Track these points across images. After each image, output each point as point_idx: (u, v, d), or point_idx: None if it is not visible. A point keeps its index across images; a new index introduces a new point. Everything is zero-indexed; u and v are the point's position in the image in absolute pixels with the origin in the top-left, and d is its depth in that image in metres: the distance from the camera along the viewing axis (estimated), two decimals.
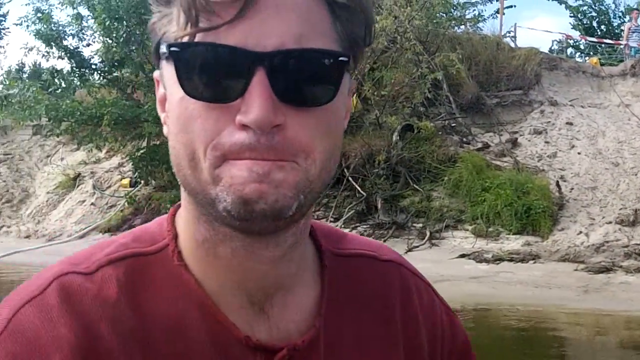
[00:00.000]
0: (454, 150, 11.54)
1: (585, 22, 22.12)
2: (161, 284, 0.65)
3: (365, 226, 10.46)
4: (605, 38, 19.22)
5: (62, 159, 16.96)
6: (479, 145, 12.03)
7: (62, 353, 0.59)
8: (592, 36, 20.25)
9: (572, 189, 10.85)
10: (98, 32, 13.34)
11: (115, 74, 13.92)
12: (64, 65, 20.72)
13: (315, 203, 0.66)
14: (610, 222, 9.83)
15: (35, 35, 13.38)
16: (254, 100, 0.56)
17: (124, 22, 12.25)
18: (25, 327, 0.60)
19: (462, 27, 14.42)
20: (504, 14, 16.59)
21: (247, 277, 0.65)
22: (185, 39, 0.58)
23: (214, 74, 0.57)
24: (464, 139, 12.20)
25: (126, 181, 14.09)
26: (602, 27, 21.95)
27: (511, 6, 27.12)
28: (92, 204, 14.41)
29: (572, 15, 22.30)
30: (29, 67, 23.78)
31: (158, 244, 0.68)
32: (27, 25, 13.50)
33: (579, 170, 11.35)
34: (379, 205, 10.62)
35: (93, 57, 14.08)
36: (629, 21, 17.77)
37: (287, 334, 0.67)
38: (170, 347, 0.63)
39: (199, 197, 0.61)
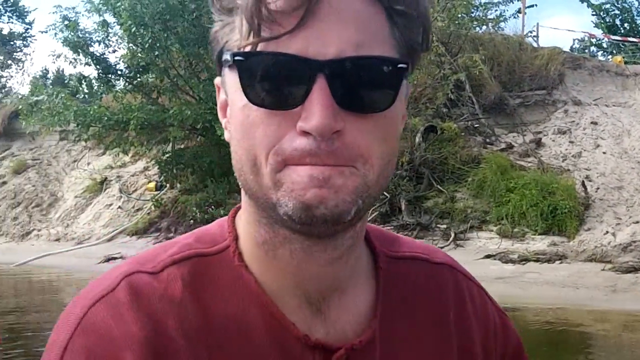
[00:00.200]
0: (478, 151, 11.52)
1: (607, 20, 21.90)
2: (223, 283, 0.67)
3: (389, 227, 10.48)
4: (629, 36, 19.00)
5: (88, 163, 17.25)
6: (503, 145, 11.99)
7: (133, 348, 0.61)
8: (615, 34, 20.05)
9: (598, 188, 10.77)
10: (123, 39, 13.56)
11: (140, 79, 14.12)
12: (91, 71, 21.09)
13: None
14: (637, 222, 9.74)
15: (63, 42, 13.65)
16: (315, 107, 0.57)
17: (149, 28, 12.41)
18: (97, 324, 0.62)
19: (484, 27, 14.38)
20: (525, 13, 16.50)
21: (304, 278, 0.66)
22: (248, 48, 0.59)
23: (276, 82, 0.59)
24: (487, 140, 12.17)
25: (152, 185, 14.28)
26: (626, 25, 21.71)
27: (532, 5, 27.00)
28: (119, 207, 14.64)
29: (594, 13, 22.11)
30: (53, 73, 24.20)
31: (219, 245, 0.70)
32: (55, 33, 13.79)
33: (604, 170, 11.26)
34: (403, 207, 10.66)
35: (119, 63, 14.32)
36: None
37: (343, 334, 0.68)
38: (233, 345, 0.65)
39: (260, 201, 0.62)
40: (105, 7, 13.33)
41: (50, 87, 14.96)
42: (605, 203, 10.44)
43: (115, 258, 11.70)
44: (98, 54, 14.02)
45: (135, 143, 13.53)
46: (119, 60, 14.23)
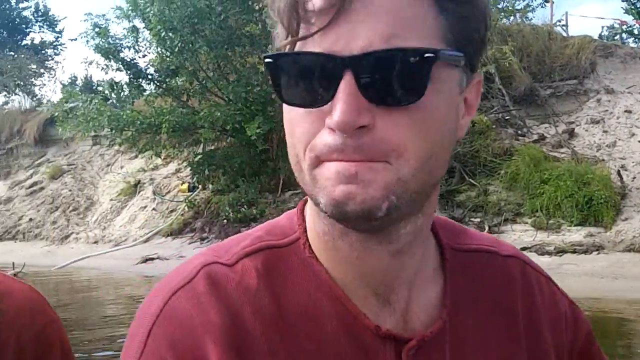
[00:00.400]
0: (509, 144, 11.42)
1: (639, 6, 21.42)
2: (294, 274, 0.68)
3: None
4: None
5: (121, 167, 17.58)
6: (535, 137, 11.86)
7: (213, 335, 0.62)
8: None
9: (634, 178, 10.59)
10: (152, 43, 13.77)
11: (169, 83, 14.32)
12: (122, 77, 21.45)
13: (425, 202, 0.65)
14: None
15: (94, 49, 13.93)
16: (338, 104, 0.57)
17: (178, 32, 12.58)
18: (178, 312, 0.64)
19: (512, 18, 14.22)
20: (553, 2, 16.27)
21: (367, 270, 0.67)
22: (287, 49, 0.60)
23: (304, 81, 0.59)
24: (519, 132, 12.06)
25: (185, 186, 14.47)
26: None
27: None
28: (153, 209, 14.89)
29: None
30: (81, 80, 24.69)
31: (289, 237, 0.71)
32: (87, 40, 14.08)
33: None
34: None
35: (148, 68, 14.54)
36: None
37: (411, 325, 0.69)
38: (305, 333, 0.66)
39: (308, 195, 0.64)
40: (135, 13, 13.56)
41: (79, 93, 15.26)
42: None
43: (152, 259, 11.93)
44: (128, 59, 14.26)
45: (167, 146, 13.73)
46: (149, 64, 14.47)
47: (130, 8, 13.46)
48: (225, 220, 12.33)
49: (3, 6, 30.55)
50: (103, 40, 13.88)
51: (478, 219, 10.25)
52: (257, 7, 12.40)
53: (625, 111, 12.31)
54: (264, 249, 0.69)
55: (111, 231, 15.03)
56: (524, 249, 9.28)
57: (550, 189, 10.00)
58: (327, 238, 0.68)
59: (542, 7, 15.34)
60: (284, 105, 0.63)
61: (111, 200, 16.35)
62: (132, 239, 14.00)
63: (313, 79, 0.59)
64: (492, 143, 11.34)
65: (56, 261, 13.02)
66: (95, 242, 14.86)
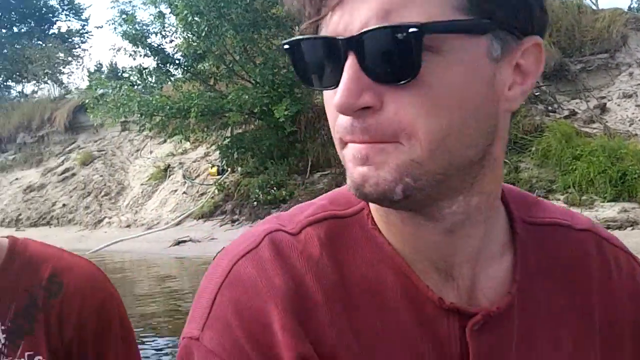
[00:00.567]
0: (540, 120, 11.29)
1: None
2: (358, 244, 0.68)
3: None
4: None
5: (151, 152, 17.81)
6: (566, 113, 11.70)
7: (277, 300, 0.62)
8: None
9: None
10: (179, 28, 13.85)
11: (196, 67, 14.41)
12: (149, 63, 21.63)
13: (463, 180, 0.62)
14: None
15: (122, 36, 14.06)
16: (339, 85, 0.57)
17: (204, 16, 12.63)
18: (243, 277, 0.64)
19: None
20: None
21: (422, 245, 0.66)
22: (306, 32, 0.61)
23: (317, 65, 0.60)
24: (550, 108, 11.90)
25: (214, 169, 14.61)
26: None
27: None
28: (183, 192, 15.09)
29: None
30: (106, 67, 24.97)
31: (354, 207, 0.70)
32: (115, 27, 14.22)
33: None
34: None
35: (175, 53, 14.63)
36: None
37: (477, 301, 0.68)
38: (368, 304, 0.65)
39: None
40: None
41: (107, 80, 15.44)
42: None
43: (184, 241, 12.13)
44: (155, 45, 14.38)
45: (196, 130, 13.85)
46: (176, 49, 14.55)
47: None
48: (255, 202, 12.45)
49: None
50: (130, 27, 14.00)
51: None
52: None
53: None
54: (328, 219, 0.69)
55: (143, 215, 15.28)
56: None
57: (582, 165, 9.89)
58: (381, 212, 0.67)
59: None
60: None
61: (142, 184, 16.60)
62: (164, 223, 14.22)
63: (323, 62, 0.59)
64: (522, 119, 11.22)
65: (90, 245, 13.31)
66: (128, 226, 15.13)
